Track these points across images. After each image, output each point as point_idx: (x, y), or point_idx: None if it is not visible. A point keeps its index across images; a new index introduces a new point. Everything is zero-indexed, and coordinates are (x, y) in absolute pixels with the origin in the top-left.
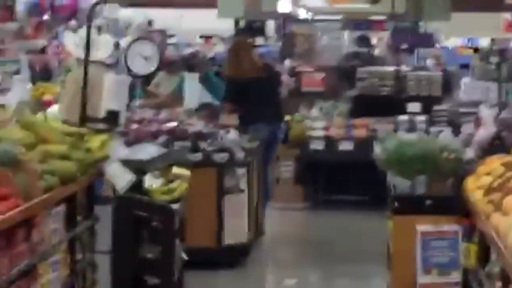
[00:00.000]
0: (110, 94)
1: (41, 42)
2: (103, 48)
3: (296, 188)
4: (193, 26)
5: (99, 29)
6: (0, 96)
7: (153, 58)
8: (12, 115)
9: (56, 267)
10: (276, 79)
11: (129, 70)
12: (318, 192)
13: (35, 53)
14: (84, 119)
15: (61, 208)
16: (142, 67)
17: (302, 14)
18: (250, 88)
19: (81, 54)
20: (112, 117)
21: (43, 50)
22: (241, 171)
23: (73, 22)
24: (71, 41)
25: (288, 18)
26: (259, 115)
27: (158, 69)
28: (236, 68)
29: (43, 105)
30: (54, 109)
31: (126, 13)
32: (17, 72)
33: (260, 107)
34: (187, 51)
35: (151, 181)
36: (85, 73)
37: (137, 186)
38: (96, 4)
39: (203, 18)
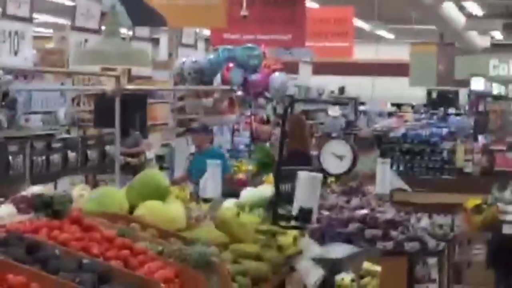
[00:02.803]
0: (303, 191)
1: (232, 117)
2: None
3: (488, 273)
4: (384, 94)
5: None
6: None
7: (347, 158)
8: (207, 211)
9: None
10: None
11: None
12: (510, 278)
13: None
14: (277, 217)
15: None
16: (335, 167)
17: (496, 89)
18: None
19: None
20: (304, 214)
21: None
22: (432, 260)
23: (261, 100)
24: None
25: (481, 95)
26: None
27: None
28: None
29: (236, 184)
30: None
31: (319, 81)
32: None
33: None
34: (378, 123)
35: (341, 276)
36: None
37: (327, 282)
38: None
39: (395, 86)
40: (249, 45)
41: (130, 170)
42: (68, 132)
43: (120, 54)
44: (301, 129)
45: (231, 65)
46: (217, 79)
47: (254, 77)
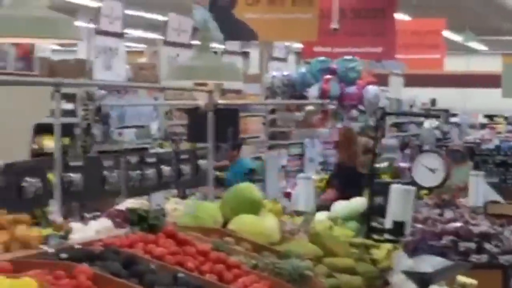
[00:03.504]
0: (396, 204)
1: (323, 130)
2: None
3: None
4: (476, 105)
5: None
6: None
7: (440, 171)
8: (300, 225)
9: None
10: None
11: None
12: None
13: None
14: (370, 230)
15: None
16: (427, 180)
17: None
18: None
19: None
20: (397, 227)
21: None
22: None
23: (354, 112)
24: None
25: None
26: None
27: None
28: None
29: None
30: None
31: (410, 93)
32: (301, 155)
33: None
34: (471, 134)
35: None
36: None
37: None
38: None
39: (487, 98)
40: (348, 57)
41: (219, 184)
42: (161, 146)
43: (211, 69)
44: (349, 143)
45: (329, 77)
46: (312, 91)
47: (350, 89)
